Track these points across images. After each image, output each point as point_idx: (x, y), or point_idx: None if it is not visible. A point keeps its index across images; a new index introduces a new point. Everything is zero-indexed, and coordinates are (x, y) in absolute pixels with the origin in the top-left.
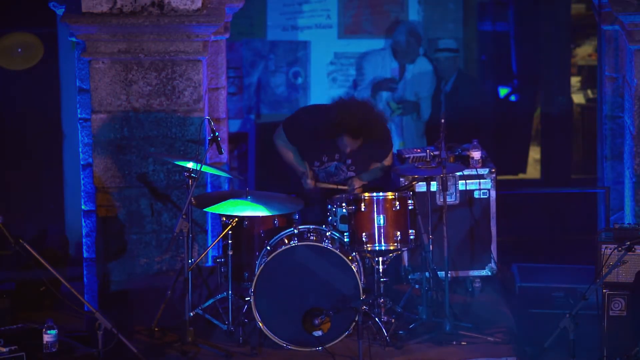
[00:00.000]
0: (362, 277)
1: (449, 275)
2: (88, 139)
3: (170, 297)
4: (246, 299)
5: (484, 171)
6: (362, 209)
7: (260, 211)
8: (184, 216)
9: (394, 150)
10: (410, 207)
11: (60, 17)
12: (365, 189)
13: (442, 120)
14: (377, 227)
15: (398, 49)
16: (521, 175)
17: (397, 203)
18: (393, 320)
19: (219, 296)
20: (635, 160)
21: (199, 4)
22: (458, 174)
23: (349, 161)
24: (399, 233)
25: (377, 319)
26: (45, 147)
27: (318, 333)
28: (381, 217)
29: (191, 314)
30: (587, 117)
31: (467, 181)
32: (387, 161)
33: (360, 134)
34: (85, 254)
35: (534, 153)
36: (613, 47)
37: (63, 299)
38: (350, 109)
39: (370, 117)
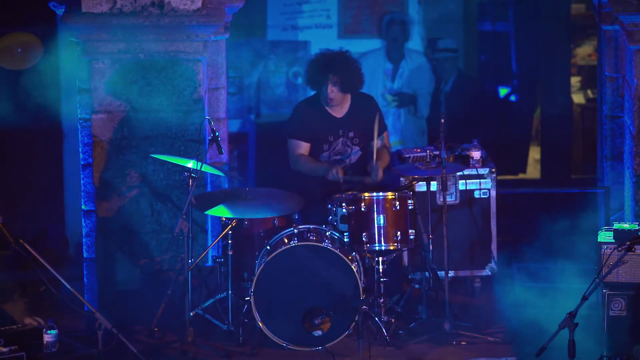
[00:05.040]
0: (362, 277)
1: (449, 275)
2: (88, 139)
3: (170, 297)
4: (246, 299)
5: (484, 171)
6: (362, 209)
7: (259, 213)
8: (184, 216)
9: (394, 151)
10: (410, 207)
11: (60, 17)
12: (367, 188)
13: (442, 120)
14: (377, 227)
15: (389, 42)
16: (521, 175)
17: (397, 203)
18: (393, 320)
19: (219, 296)
20: (635, 160)
21: (199, 4)
22: (458, 173)
23: (351, 134)
24: (399, 233)
25: (377, 318)
26: (45, 147)
27: (318, 333)
28: (381, 217)
29: (191, 314)
30: (587, 117)
31: (467, 181)
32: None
33: (339, 71)
34: (85, 254)
35: (534, 153)
36: (613, 47)
37: (63, 299)
38: (328, 52)
39: (349, 60)
